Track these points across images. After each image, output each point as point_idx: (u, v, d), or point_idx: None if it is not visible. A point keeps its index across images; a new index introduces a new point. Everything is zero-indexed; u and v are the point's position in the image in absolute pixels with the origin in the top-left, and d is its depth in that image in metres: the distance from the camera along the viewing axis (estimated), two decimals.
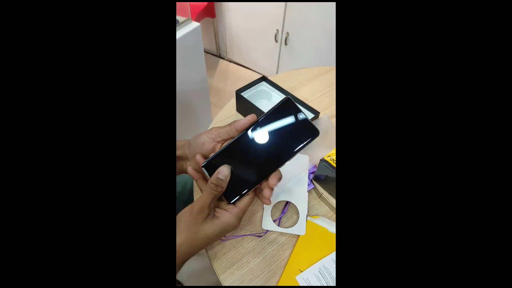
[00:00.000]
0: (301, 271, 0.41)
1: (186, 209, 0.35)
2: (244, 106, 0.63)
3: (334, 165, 0.46)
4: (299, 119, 0.34)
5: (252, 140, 0.35)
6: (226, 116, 0.65)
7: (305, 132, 0.34)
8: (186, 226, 0.34)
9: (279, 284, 0.40)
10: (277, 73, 1.75)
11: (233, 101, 0.66)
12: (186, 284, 1.04)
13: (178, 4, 0.89)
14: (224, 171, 0.33)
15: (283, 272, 0.42)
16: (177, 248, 0.33)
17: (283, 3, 1.41)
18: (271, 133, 0.35)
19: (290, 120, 0.34)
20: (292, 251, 0.44)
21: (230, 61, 1.94)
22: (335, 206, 0.48)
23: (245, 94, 0.64)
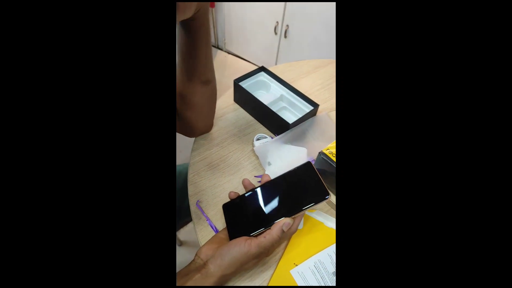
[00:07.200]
0: (296, 265, 0.41)
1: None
2: (242, 96, 0.61)
3: (333, 158, 0.45)
4: (315, 180, 0.38)
5: (269, 191, 0.40)
6: (224, 106, 0.63)
7: (317, 193, 0.37)
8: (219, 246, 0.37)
9: (274, 277, 0.40)
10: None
11: (230, 91, 0.64)
12: None
13: None
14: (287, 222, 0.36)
15: (277, 265, 0.41)
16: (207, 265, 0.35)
17: None
18: (287, 188, 0.39)
19: (306, 180, 0.39)
20: (287, 244, 0.43)
21: (229, 53, 1.91)
22: (332, 201, 0.47)
23: (243, 84, 0.62)
